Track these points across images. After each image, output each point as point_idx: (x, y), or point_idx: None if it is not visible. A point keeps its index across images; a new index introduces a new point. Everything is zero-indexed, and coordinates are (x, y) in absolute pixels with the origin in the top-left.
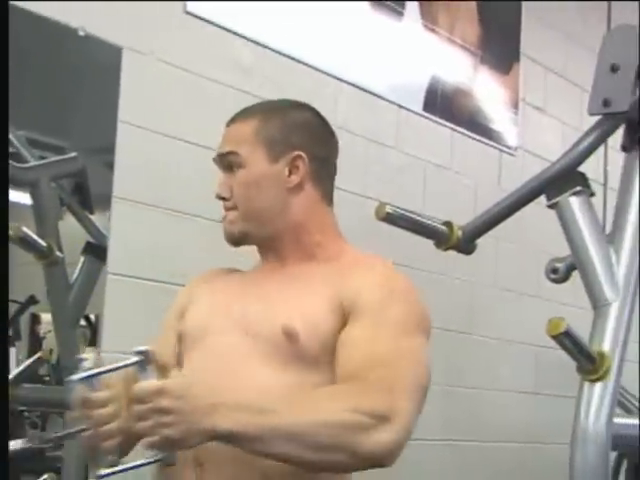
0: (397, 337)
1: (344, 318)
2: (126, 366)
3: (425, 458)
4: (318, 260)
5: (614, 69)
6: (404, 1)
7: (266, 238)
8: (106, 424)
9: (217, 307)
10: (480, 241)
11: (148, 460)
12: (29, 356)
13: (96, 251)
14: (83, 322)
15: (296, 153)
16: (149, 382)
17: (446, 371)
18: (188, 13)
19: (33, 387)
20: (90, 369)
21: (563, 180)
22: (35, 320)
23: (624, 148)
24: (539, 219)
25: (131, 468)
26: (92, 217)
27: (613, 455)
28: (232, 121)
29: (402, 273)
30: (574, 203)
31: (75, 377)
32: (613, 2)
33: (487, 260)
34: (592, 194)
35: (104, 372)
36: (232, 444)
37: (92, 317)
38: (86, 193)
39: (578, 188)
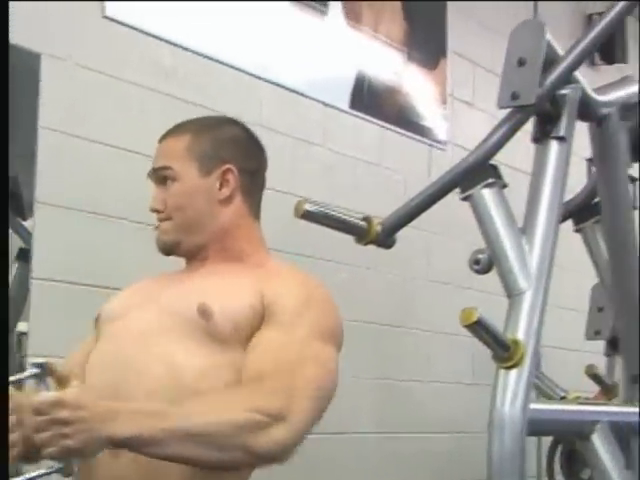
0: (305, 342)
1: (261, 315)
2: (24, 378)
3: (362, 451)
4: (241, 264)
5: (521, 63)
6: (327, 0)
7: (195, 247)
8: (10, 434)
9: (136, 296)
10: (412, 235)
11: (47, 471)
12: None
13: (29, 257)
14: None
15: (226, 167)
16: (46, 394)
17: (382, 365)
18: (106, 17)
19: None
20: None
21: (476, 173)
22: None
23: (535, 139)
24: (469, 210)
25: (31, 479)
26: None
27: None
28: (165, 137)
29: (322, 286)
30: (487, 195)
31: None
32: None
33: (419, 254)
34: (504, 185)
35: None
36: (131, 449)
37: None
38: (18, 199)
39: (490, 180)
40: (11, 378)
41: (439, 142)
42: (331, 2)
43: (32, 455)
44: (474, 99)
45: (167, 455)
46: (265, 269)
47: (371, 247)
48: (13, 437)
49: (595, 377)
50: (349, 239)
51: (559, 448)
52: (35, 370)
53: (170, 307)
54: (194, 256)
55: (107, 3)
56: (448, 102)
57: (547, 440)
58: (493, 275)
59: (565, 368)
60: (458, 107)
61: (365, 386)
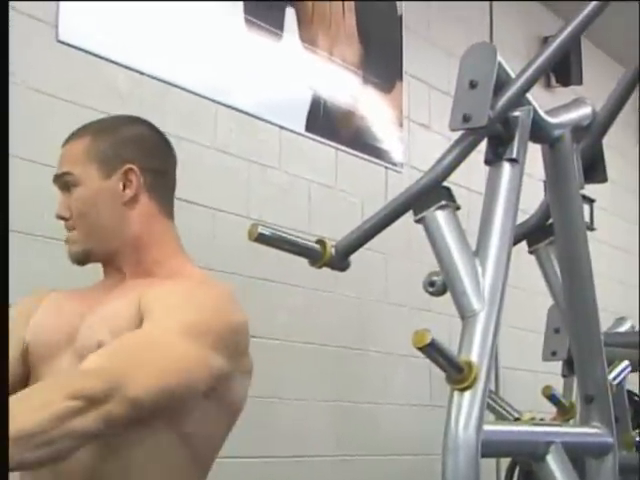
0: (159, 335)
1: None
2: None
3: (319, 474)
4: (155, 277)
5: (473, 85)
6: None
7: (107, 254)
8: None
9: (59, 326)
10: (368, 257)
11: None
12: None
13: None
14: None
15: (127, 167)
16: None
17: (339, 387)
18: (60, 41)
19: None
20: None
21: (428, 195)
22: None
23: (487, 162)
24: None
25: None
26: None
27: (506, 462)
28: (66, 142)
29: (220, 290)
30: (440, 217)
31: None
32: (496, 21)
33: (376, 276)
34: (458, 208)
35: None
36: None
37: None
38: None
39: (443, 202)
40: None
41: (395, 164)
42: (286, 24)
43: None
44: (430, 121)
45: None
46: (173, 282)
47: (327, 270)
48: None
49: (552, 398)
50: (304, 262)
51: (517, 469)
52: None
53: (80, 348)
54: (109, 264)
55: (61, 27)
56: (404, 124)
57: (505, 461)
58: (449, 297)
59: (522, 389)
60: (414, 129)
61: (321, 408)
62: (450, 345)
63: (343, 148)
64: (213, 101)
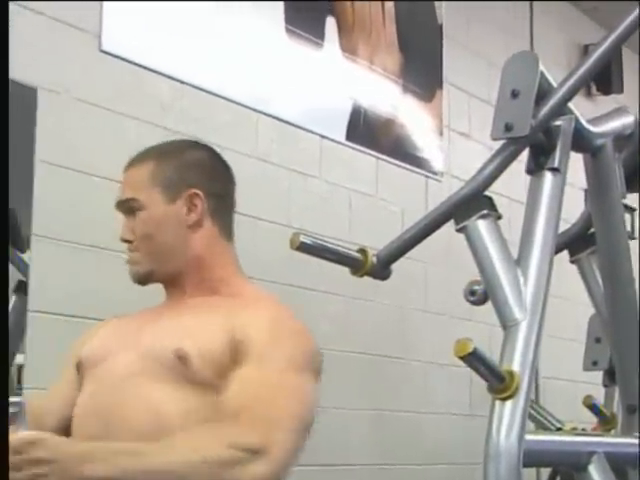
0: (280, 375)
1: (234, 352)
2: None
3: None
4: (219, 295)
5: (515, 94)
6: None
7: (169, 275)
8: None
9: (115, 337)
10: (408, 266)
11: None
12: None
13: (27, 289)
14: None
15: (192, 191)
16: (23, 433)
17: (379, 396)
18: (103, 51)
19: None
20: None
21: (470, 204)
22: None
23: (529, 171)
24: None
25: None
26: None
27: (547, 472)
28: (129, 166)
29: (293, 316)
30: (481, 226)
31: None
32: (536, 29)
33: (417, 285)
34: (499, 217)
35: None
36: None
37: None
38: (16, 232)
39: (485, 212)
40: None
41: (435, 173)
42: (327, 33)
43: None
44: (470, 130)
45: None
46: (239, 300)
47: (367, 279)
48: None
49: (593, 408)
50: (345, 271)
51: (557, 479)
52: (12, 409)
53: (148, 351)
54: (171, 284)
55: (104, 37)
56: (444, 133)
57: (545, 471)
58: (489, 306)
59: (563, 399)
60: (454, 138)
61: (361, 417)
62: (491, 355)
63: (383, 157)
64: (254, 110)
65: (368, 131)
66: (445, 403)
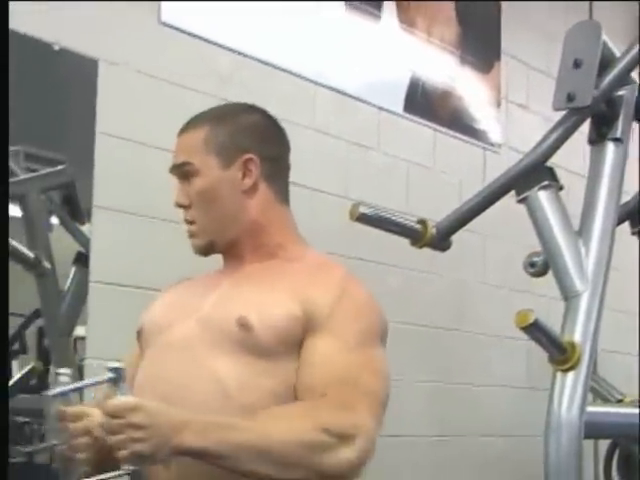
0: (357, 351)
1: (302, 322)
2: (100, 383)
3: (417, 455)
4: (279, 260)
5: (577, 64)
6: (381, 0)
7: (229, 243)
8: (80, 438)
9: (175, 304)
10: (467, 238)
11: (118, 473)
12: None
13: (86, 261)
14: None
15: (247, 156)
16: (123, 398)
17: (437, 368)
18: (162, 23)
19: (30, 398)
20: (66, 384)
21: (531, 175)
22: (41, 334)
23: (590, 142)
24: (525, 214)
25: None
26: (83, 228)
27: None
28: (182, 131)
29: (360, 284)
30: (542, 197)
31: (51, 392)
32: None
33: (475, 257)
34: (561, 188)
35: (79, 388)
36: (201, 460)
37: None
38: (75, 204)
39: (546, 182)
40: (87, 381)
41: (493, 145)
42: (385, 5)
43: (101, 461)
44: (528, 102)
45: (234, 468)
46: (302, 265)
47: (425, 250)
48: (84, 441)
49: None
50: (402, 242)
51: (617, 452)
52: (111, 375)
53: (210, 320)
54: (229, 252)
55: (163, 9)
56: (502, 105)
57: (604, 443)
58: (548, 279)
59: (621, 373)
60: (512, 110)
61: (418, 388)
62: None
63: (441, 129)
64: (313, 82)
65: (426, 103)
66: (503, 376)
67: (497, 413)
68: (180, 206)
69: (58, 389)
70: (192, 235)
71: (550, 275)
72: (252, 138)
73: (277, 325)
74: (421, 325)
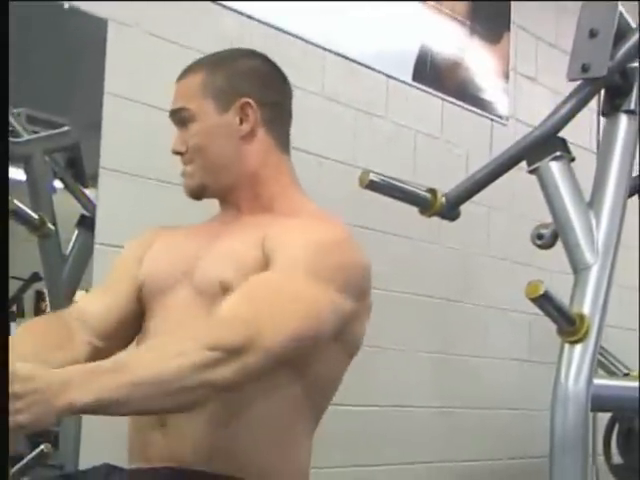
0: (292, 281)
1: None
2: None
3: (418, 426)
4: (274, 213)
5: (593, 34)
6: None
7: (224, 189)
8: None
9: (172, 259)
10: (472, 210)
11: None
12: None
13: (90, 224)
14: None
15: (244, 100)
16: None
17: (439, 338)
18: None
19: None
20: None
21: (543, 145)
22: (40, 297)
23: (603, 113)
24: (531, 186)
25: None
26: (86, 191)
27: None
28: (181, 77)
29: (342, 228)
30: (554, 168)
31: None
32: None
33: (479, 229)
34: (572, 159)
35: None
36: (96, 413)
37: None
38: (79, 166)
39: (558, 153)
40: None
41: (500, 117)
42: None
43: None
44: (537, 74)
45: (132, 411)
46: (293, 222)
47: (430, 221)
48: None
49: None
50: (408, 212)
51: (616, 426)
52: None
53: (200, 285)
54: (225, 199)
55: None
56: (510, 77)
57: (603, 418)
58: (551, 252)
59: (624, 348)
60: (520, 82)
61: (421, 359)
62: None
63: (449, 99)
64: (322, 48)
65: (435, 73)
66: (504, 348)
67: (497, 385)
68: (177, 153)
69: None
70: (186, 176)
71: (553, 249)
72: (251, 82)
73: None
74: (424, 295)
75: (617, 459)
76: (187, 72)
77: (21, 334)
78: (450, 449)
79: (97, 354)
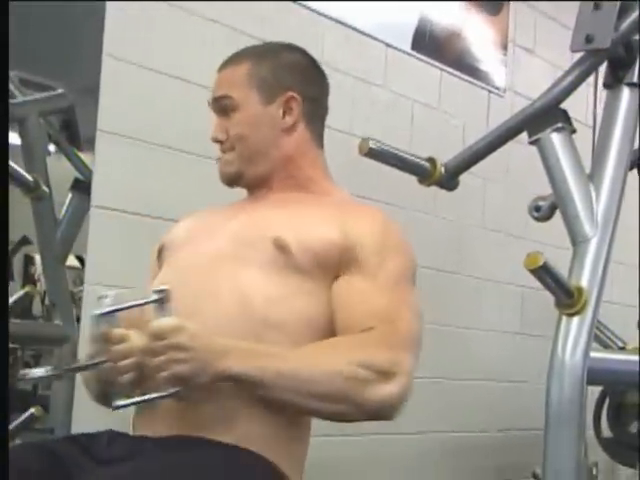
0: (395, 289)
1: (341, 249)
2: (146, 304)
3: (412, 396)
4: (309, 192)
5: (597, 6)
6: None
7: (259, 177)
8: (123, 359)
9: (200, 224)
10: (468, 181)
11: (161, 394)
12: None
13: (84, 188)
14: (77, 264)
15: (290, 94)
16: (167, 319)
17: (432, 310)
18: None
19: (23, 323)
20: (111, 305)
21: (545, 117)
22: (29, 261)
23: (606, 85)
24: (527, 159)
25: (144, 401)
26: (81, 154)
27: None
28: (224, 65)
29: (395, 223)
30: (555, 139)
31: (96, 313)
32: None
33: (474, 200)
34: (574, 131)
35: (124, 308)
36: (241, 387)
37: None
38: (74, 130)
39: (559, 125)
40: (134, 302)
41: (498, 88)
42: None
43: (141, 384)
44: (535, 46)
45: (276, 398)
46: (337, 199)
47: (424, 191)
48: (128, 362)
49: None
50: (404, 182)
51: (606, 401)
52: (156, 296)
53: (242, 237)
54: (257, 186)
55: None
56: (509, 48)
57: (591, 393)
58: (545, 226)
59: (620, 324)
60: (518, 54)
61: None
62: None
63: (448, 69)
64: (322, 15)
65: (433, 43)
66: (496, 320)
67: (489, 358)
68: (217, 141)
69: (104, 310)
70: (225, 163)
71: (547, 222)
72: (294, 76)
73: (315, 248)
74: (419, 266)
75: (606, 433)
76: (230, 62)
77: None
78: (441, 420)
79: None
